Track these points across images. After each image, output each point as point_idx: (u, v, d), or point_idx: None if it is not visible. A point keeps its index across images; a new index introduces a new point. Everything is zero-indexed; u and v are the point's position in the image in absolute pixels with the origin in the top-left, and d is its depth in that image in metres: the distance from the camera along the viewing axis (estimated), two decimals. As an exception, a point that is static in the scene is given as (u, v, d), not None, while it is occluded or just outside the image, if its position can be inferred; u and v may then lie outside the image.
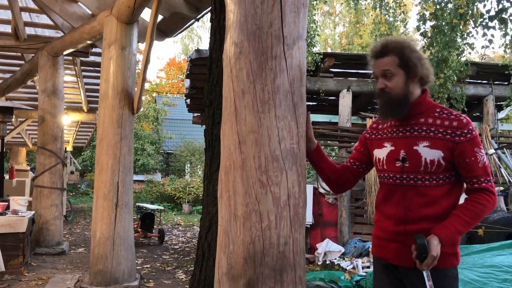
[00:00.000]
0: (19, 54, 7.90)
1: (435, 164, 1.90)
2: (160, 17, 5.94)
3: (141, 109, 23.40)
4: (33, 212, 6.30)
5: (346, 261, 6.09)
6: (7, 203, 5.96)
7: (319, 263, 6.56)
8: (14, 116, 6.97)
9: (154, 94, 28.44)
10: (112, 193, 5.09)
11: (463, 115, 1.95)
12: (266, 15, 1.85)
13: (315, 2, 6.92)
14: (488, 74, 7.71)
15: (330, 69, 7.32)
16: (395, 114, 1.99)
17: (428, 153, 1.90)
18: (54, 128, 7.09)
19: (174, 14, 5.51)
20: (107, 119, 5.16)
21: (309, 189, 7.32)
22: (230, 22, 1.94)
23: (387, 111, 2.00)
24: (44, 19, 7.17)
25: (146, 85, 31.39)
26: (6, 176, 10.80)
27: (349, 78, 7.60)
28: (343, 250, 6.71)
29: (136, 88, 5.31)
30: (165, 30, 6.22)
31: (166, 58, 45.99)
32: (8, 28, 7.21)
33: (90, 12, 6.29)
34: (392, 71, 1.95)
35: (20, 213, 5.64)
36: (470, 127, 1.90)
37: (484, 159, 1.91)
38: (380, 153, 2.06)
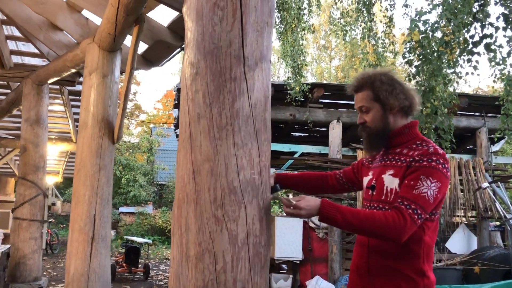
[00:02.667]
0: (5, 83, 7.78)
1: (393, 192, 1.83)
2: (146, 46, 5.85)
3: (136, 140, 23.32)
4: (8, 246, 6.03)
5: (336, 299, 5.79)
6: (-19, 236, 5.70)
7: (308, 302, 6.26)
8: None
9: (151, 125, 28.41)
10: (88, 227, 4.83)
11: (437, 148, 1.83)
12: (225, 34, 1.69)
13: (303, 33, 6.88)
14: (480, 106, 7.62)
15: (320, 100, 7.20)
16: (376, 147, 1.99)
17: (390, 181, 1.85)
18: (36, 158, 6.87)
19: (157, 42, 5.40)
20: (86, 148, 4.96)
21: (299, 223, 7.08)
22: (187, 41, 1.79)
23: (368, 144, 2.00)
24: (31, 47, 7.08)
25: (143, 116, 31.43)
26: (-10, 208, 10.54)
27: (339, 109, 7.48)
28: None
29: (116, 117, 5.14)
30: (150, 59, 6.10)
31: (163, 90, 46.26)
32: (-7, 57, 7.09)
33: (76, 41, 6.19)
34: (367, 106, 1.95)
35: (-8, 247, 5.37)
36: (433, 157, 1.77)
37: (427, 192, 1.72)
38: (364, 182, 2.06)
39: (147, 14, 5.05)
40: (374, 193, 1.92)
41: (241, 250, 1.60)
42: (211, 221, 1.60)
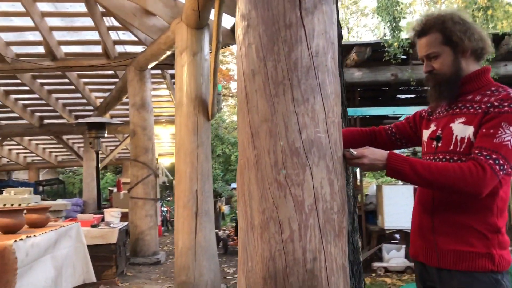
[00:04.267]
0: (113, 72, 8.31)
1: (464, 142, 1.61)
2: (233, 20, 5.79)
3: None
4: (125, 223, 6.47)
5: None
6: (102, 215, 6.20)
7: (424, 273, 5.88)
8: (106, 131, 7.31)
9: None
10: (191, 202, 4.98)
11: None
12: (276, -25, 1.49)
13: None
14: None
15: (424, 56, 6.56)
16: (447, 95, 1.73)
17: (461, 129, 1.63)
18: (145, 140, 7.27)
19: (243, 13, 5.29)
20: (183, 127, 5.09)
21: (408, 190, 6.66)
22: (238, -8, 1.62)
23: (439, 93, 1.74)
24: (131, 36, 7.43)
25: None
26: (115, 189, 11.53)
27: (448, 64, 6.76)
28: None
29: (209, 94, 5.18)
30: (239, 32, 6.04)
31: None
32: (100, 49, 7.58)
33: (167, 24, 6.35)
34: (436, 52, 1.71)
35: (111, 225, 5.80)
36: None
37: (510, 140, 1.51)
38: (425, 134, 1.84)
39: (229, -15, 4.95)
40: (440, 144, 1.71)
41: (309, 217, 1.43)
42: (274, 187, 1.44)
